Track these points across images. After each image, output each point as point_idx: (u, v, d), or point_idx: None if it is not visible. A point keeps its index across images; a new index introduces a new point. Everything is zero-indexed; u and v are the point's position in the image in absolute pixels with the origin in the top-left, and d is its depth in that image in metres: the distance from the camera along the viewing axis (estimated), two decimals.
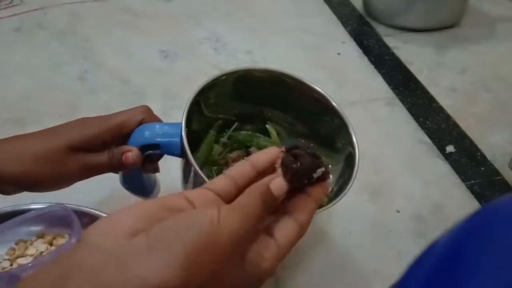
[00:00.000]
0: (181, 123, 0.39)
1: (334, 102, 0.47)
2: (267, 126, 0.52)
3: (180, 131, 0.39)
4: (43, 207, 0.48)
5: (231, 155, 0.48)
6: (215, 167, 0.49)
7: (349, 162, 0.44)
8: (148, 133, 0.39)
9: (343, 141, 0.47)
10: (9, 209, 0.50)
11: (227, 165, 0.48)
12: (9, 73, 0.76)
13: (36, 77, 0.75)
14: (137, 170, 0.44)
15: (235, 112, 0.51)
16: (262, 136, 0.52)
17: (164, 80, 0.75)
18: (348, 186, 0.41)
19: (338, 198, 0.40)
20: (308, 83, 0.47)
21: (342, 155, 0.47)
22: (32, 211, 0.47)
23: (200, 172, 0.38)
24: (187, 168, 0.41)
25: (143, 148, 0.39)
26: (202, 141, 0.49)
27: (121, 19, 0.90)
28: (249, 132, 0.52)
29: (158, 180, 0.50)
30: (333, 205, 0.39)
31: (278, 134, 0.52)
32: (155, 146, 0.39)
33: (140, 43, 0.84)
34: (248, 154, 0.49)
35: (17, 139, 0.38)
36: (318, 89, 0.47)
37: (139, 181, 0.46)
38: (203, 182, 0.38)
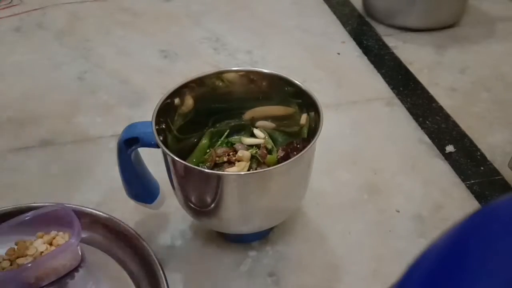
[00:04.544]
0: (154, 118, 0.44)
1: (282, 74, 0.49)
2: (254, 130, 0.53)
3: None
4: (43, 207, 0.48)
5: (217, 151, 0.50)
6: (203, 164, 0.51)
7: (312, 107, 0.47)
8: (128, 129, 0.44)
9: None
10: (9, 209, 0.50)
11: (212, 160, 0.50)
12: (9, 73, 0.76)
13: (36, 77, 0.75)
14: (134, 173, 0.46)
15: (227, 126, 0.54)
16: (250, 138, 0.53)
17: (164, 80, 0.75)
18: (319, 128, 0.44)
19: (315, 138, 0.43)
20: (253, 69, 0.51)
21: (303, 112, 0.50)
22: (32, 211, 0.48)
23: (171, 155, 0.41)
24: (165, 159, 0.45)
25: (126, 143, 0.44)
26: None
27: (120, 19, 0.90)
28: (239, 137, 0.53)
29: (163, 190, 0.50)
30: (313, 143, 0.43)
31: (270, 135, 0.53)
32: (135, 139, 0.44)
33: (140, 43, 0.84)
34: (234, 149, 0.51)
35: None
36: (265, 70, 0.50)
37: (140, 186, 0.49)
38: (180, 164, 0.42)
